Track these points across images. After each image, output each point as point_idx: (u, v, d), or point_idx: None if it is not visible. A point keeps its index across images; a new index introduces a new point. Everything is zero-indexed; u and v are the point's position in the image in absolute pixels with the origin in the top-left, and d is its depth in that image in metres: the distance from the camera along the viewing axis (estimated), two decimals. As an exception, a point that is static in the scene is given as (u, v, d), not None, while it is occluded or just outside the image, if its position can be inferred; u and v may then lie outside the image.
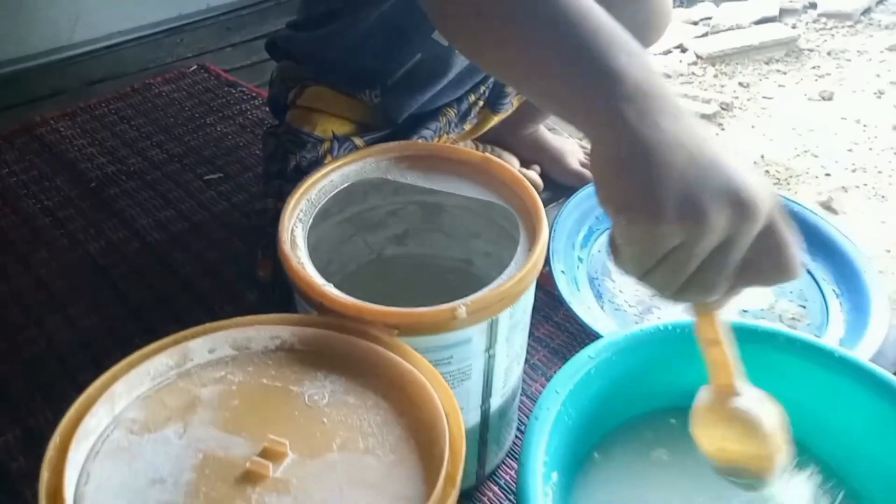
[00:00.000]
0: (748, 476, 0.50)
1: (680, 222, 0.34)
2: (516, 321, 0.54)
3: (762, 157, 2.33)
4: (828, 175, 2.24)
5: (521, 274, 0.50)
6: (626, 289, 0.86)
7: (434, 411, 0.41)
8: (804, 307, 0.85)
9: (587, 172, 1.03)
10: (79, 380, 0.77)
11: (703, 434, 0.50)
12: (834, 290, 0.85)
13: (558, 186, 1.04)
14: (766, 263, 0.38)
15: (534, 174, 1.03)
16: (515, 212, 0.58)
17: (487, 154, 0.62)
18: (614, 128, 0.35)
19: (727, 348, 0.44)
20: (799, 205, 0.95)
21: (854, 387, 0.60)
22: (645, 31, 0.84)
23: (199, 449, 0.39)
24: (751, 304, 0.84)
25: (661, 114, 0.35)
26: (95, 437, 0.39)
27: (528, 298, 0.55)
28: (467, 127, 0.87)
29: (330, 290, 0.49)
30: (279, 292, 0.76)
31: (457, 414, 0.41)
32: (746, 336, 0.63)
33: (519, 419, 0.71)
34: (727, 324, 0.43)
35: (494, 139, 1.02)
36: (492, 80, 0.85)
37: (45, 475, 0.35)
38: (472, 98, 0.84)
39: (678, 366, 0.65)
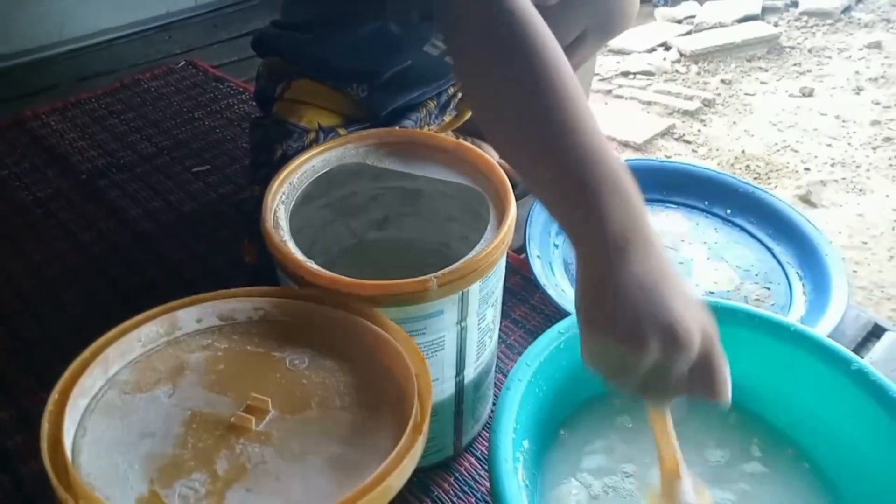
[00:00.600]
0: None
1: (626, 346, 0.42)
2: (486, 295, 0.57)
3: (743, 152, 2.38)
4: (807, 169, 2.30)
5: (488, 249, 0.53)
6: (600, 273, 0.90)
7: (405, 372, 0.44)
8: (769, 289, 0.88)
9: None
10: (71, 362, 0.80)
11: None
12: (797, 273, 0.89)
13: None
14: (699, 387, 0.45)
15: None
16: (486, 194, 0.61)
17: (461, 140, 0.65)
18: (595, 266, 0.44)
19: (673, 440, 0.50)
20: (767, 193, 0.99)
21: (808, 358, 0.64)
22: (612, 20, 0.89)
23: (187, 407, 0.42)
24: (717, 286, 0.88)
25: (634, 262, 0.43)
26: (91, 397, 0.42)
27: (497, 273, 0.58)
28: (447, 118, 0.91)
29: (311, 265, 0.52)
30: (265, 276, 0.79)
31: (426, 374, 0.44)
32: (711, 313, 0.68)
33: (495, 395, 0.74)
34: (673, 419, 0.51)
35: (475, 131, 1.05)
36: None
37: (45, 426, 0.38)
38: (452, 90, 0.87)
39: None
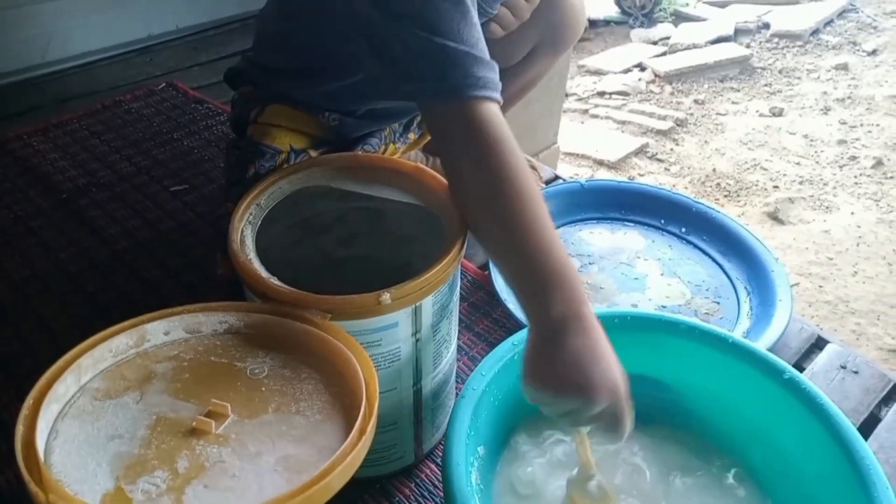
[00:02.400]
0: None
1: (556, 394, 0.55)
2: (439, 308, 0.62)
3: (714, 170, 2.45)
4: (776, 187, 2.37)
5: (439, 266, 0.58)
6: (559, 288, 0.95)
7: (356, 380, 0.48)
8: (718, 303, 0.93)
9: None
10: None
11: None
12: (746, 288, 0.94)
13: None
14: (606, 425, 0.57)
15: None
16: (442, 215, 0.65)
17: (419, 164, 0.69)
18: (540, 336, 0.57)
19: (588, 448, 0.63)
20: (719, 212, 1.04)
21: (745, 368, 0.69)
22: (560, 34, 0.96)
23: (153, 412, 0.46)
24: (669, 300, 0.93)
25: (569, 337, 0.55)
26: (64, 402, 0.46)
27: (451, 288, 0.63)
28: (412, 136, 0.95)
29: (273, 281, 0.56)
30: (237, 288, 0.83)
31: (374, 381, 0.48)
32: (655, 325, 0.72)
33: (455, 404, 0.78)
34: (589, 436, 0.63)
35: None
36: None
37: (20, 429, 0.41)
38: (414, 112, 0.92)
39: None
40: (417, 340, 0.61)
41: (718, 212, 1.04)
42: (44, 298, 0.95)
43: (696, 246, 1.02)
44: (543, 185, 1.11)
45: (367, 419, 0.44)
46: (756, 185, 2.35)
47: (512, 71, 1.00)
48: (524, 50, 0.97)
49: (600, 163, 2.44)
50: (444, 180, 0.67)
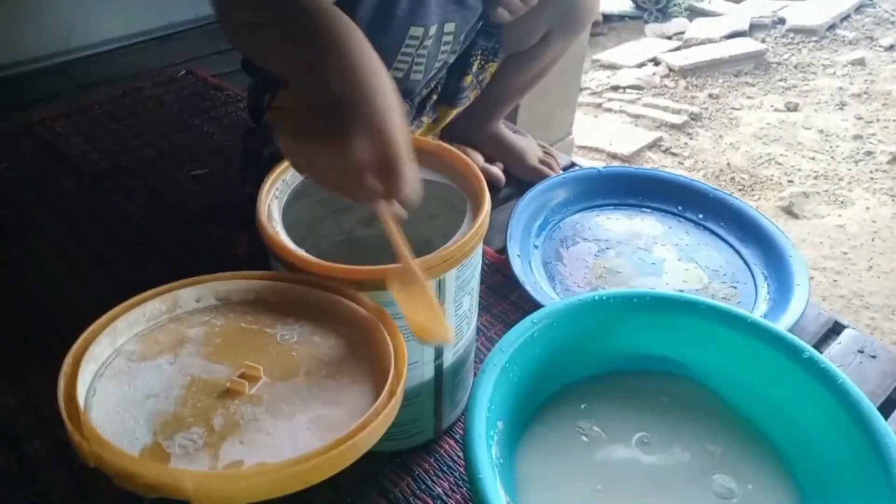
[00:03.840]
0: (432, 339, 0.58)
1: (319, 147, 0.48)
2: (462, 283, 0.62)
3: (728, 164, 2.45)
4: (790, 182, 2.36)
5: (463, 239, 0.58)
6: (576, 273, 0.95)
7: (384, 346, 0.49)
8: (735, 288, 0.94)
9: (545, 169, 1.12)
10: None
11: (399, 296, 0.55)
12: (763, 274, 0.95)
13: (518, 181, 1.13)
14: (386, 188, 0.50)
15: (497, 170, 1.12)
16: (465, 193, 0.66)
17: (441, 142, 0.70)
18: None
19: (396, 232, 0.55)
20: (737, 199, 1.04)
21: (764, 347, 0.69)
22: (574, 18, 0.96)
23: (187, 373, 0.47)
24: (686, 284, 0.93)
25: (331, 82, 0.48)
26: (100, 364, 0.47)
27: (472, 263, 0.63)
28: (426, 120, 0.96)
29: (301, 252, 0.57)
30: (254, 267, 0.85)
31: (402, 349, 0.49)
32: (673, 305, 0.73)
33: (474, 383, 0.79)
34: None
35: (460, 137, 1.11)
36: (443, 75, 0.94)
37: (61, 385, 0.43)
38: (424, 92, 0.93)
39: (615, 332, 0.74)
40: (441, 314, 0.62)
41: (736, 199, 1.04)
42: (69, 277, 0.97)
43: (713, 232, 1.03)
44: (560, 173, 1.11)
45: (395, 382, 0.45)
46: (770, 180, 2.35)
47: (527, 55, 1.00)
48: (538, 34, 0.98)
49: (614, 156, 2.44)
50: (466, 158, 0.68)
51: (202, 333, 0.51)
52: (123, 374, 0.47)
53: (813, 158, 2.51)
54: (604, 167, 1.09)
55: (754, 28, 3.36)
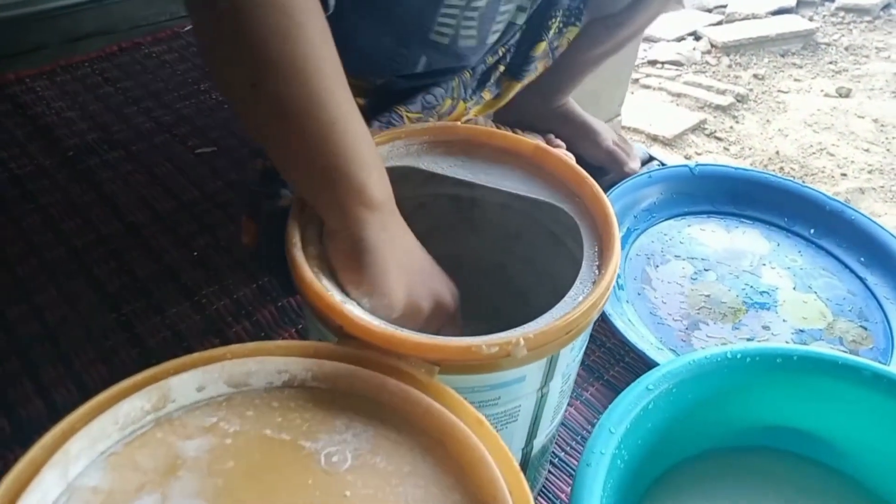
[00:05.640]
0: None
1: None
2: (576, 354, 0.44)
3: (777, 153, 2.25)
4: (843, 175, 2.16)
5: (591, 300, 0.40)
6: (670, 301, 0.77)
7: (490, 481, 0.31)
8: (865, 329, 0.75)
9: (621, 153, 0.93)
10: (43, 380, 0.67)
11: None
12: (898, 309, 0.76)
13: (587, 166, 0.93)
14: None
15: (561, 149, 0.92)
16: (574, 216, 0.48)
17: (539, 143, 0.51)
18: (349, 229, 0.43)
19: None
20: (857, 212, 0.85)
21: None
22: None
23: (180, 532, 0.29)
24: (807, 322, 0.75)
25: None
26: (40, 513, 0.29)
27: (590, 328, 0.45)
28: (486, 95, 0.77)
29: (353, 310, 0.39)
30: (264, 261, 0.70)
31: (522, 487, 0.31)
32: (829, 369, 0.55)
33: (552, 454, 0.61)
34: None
35: (516, 115, 0.91)
36: (513, 41, 0.75)
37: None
38: (490, 60, 0.74)
39: (743, 399, 0.56)
40: (542, 396, 0.44)
41: (857, 211, 0.85)
42: (40, 281, 0.78)
43: (829, 252, 0.84)
44: (637, 170, 0.92)
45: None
46: (823, 172, 2.16)
47: (615, 19, 0.81)
48: None
49: (654, 138, 2.25)
50: (578, 169, 0.49)
51: (206, 450, 0.33)
52: (76, 536, 0.28)
53: (867, 150, 2.32)
54: (695, 165, 0.90)
55: (802, 5, 3.13)
